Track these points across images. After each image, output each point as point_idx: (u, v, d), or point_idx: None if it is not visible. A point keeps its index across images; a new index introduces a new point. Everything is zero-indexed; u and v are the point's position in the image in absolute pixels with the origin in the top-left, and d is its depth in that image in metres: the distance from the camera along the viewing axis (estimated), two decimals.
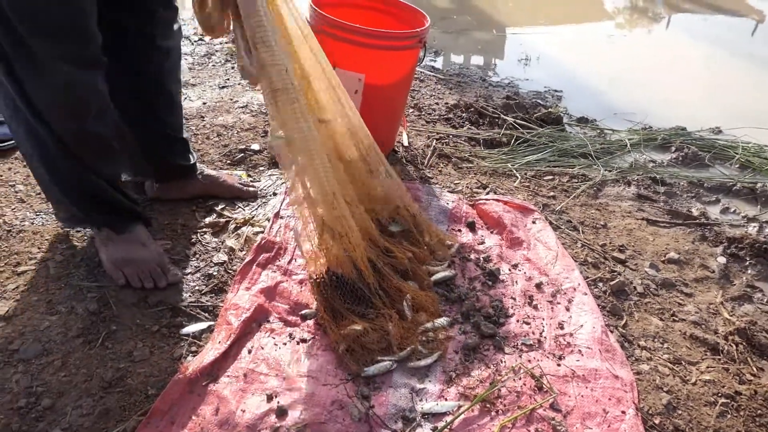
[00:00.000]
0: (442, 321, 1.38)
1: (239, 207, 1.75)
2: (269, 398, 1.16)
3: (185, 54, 2.82)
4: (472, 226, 1.78)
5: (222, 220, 1.67)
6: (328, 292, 1.35)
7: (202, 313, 1.36)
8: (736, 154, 2.47)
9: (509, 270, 1.62)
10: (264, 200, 1.79)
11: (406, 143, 2.23)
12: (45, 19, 1.05)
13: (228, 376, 1.20)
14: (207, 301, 1.40)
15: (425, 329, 1.35)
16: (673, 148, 2.51)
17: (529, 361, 1.32)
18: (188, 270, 1.48)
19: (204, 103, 2.36)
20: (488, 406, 1.20)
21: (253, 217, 1.70)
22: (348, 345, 1.27)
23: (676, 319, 1.55)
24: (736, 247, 1.86)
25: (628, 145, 2.48)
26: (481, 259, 1.64)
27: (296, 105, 1.24)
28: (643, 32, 4.69)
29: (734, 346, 1.47)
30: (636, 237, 1.88)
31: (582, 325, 1.43)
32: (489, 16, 4.39)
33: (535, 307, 1.49)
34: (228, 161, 1.99)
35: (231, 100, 2.42)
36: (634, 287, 1.64)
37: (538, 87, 3.14)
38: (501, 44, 3.87)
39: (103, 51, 1.19)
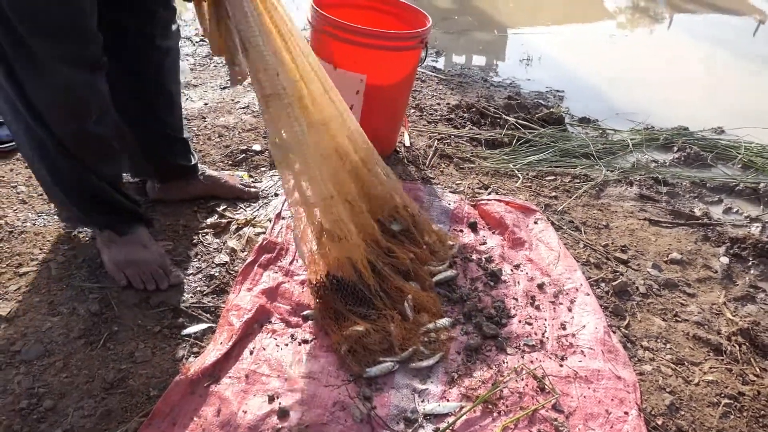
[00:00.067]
0: (443, 322, 1.38)
1: (241, 208, 1.74)
2: (271, 399, 1.16)
3: (187, 55, 2.82)
4: (473, 227, 1.78)
5: (223, 220, 1.67)
6: (329, 295, 1.35)
7: (204, 314, 1.36)
8: (739, 154, 2.46)
9: (511, 270, 1.62)
10: (265, 201, 1.78)
11: (407, 144, 2.22)
12: (45, 19, 1.05)
13: (229, 377, 1.19)
14: (208, 302, 1.40)
15: (427, 330, 1.35)
16: (676, 148, 2.50)
17: (532, 361, 1.32)
18: (190, 271, 1.48)
19: (205, 104, 2.36)
20: (490, 407, 1.20)
21: (254, 217, 1.70)
22: (350, 346, 1.27)
23: (679, 319, 1.55)
24: (738, 247, 1.86)
25: (630, 145, 2.47)
26: (483, 259, 1.64)
27: (290, 110, 1.24)
28: (644, 32, 4.68)
29: (737, 347, 1.46)
30: (638, 237, 1.88)
31: (584, 326, 1.42)
32: (490, 16, 4.39)
33: (537, 308, 1.49)
34: (229, 162, 1.99)
35: (232, 100, 2.42)
36: (637, 288, 1.63)
37: (540, 87, 3.13)
38: (502, 44, 3.86)
39: (103, 51, 1.19)
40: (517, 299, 1.51)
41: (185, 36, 3.01)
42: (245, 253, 1.56)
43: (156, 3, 1.35)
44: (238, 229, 1.65)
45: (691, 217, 2.01)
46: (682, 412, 1.27)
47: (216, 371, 1.20)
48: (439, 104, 2.67)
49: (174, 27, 1.44)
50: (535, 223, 1.82)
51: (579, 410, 1.21)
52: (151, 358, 1.24)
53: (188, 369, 1.17)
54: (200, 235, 1.61)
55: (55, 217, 1.55)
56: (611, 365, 1.31)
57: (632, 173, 2.26)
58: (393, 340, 1.30)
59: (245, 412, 1.12)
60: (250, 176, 1.91)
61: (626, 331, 1.47)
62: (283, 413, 1.13)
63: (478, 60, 3.50)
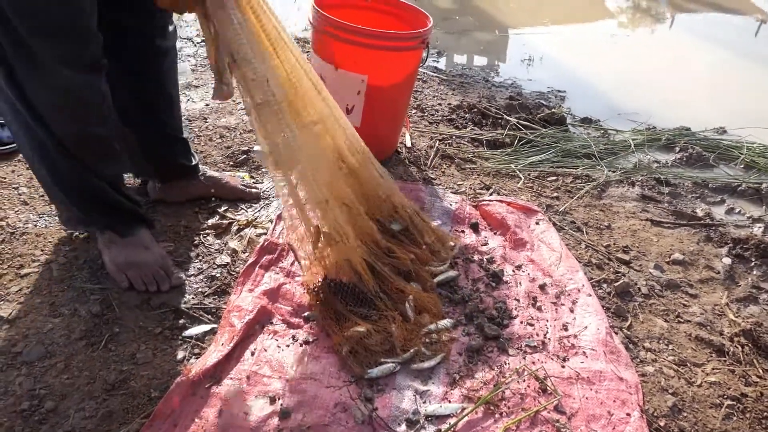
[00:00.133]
0: (445, 322, 1.38)
1: (242, 208, 1.74)
2: (272, 401, 1.15)
3: (188, 56, 2.82)
4: (475, 227, 1.78)
5: (225, 221, 1.67)
6: (329, 297, 1.35)
7: (205, 315, 1.36)
8: (741, 154, 2.46)
9: (513, 271, 1.62)
10: (267, 202, 1.78)
11: (409, 144, 2.22)
12: (45, 20, 1.05)
13: (231, 378, 1.19)
14: (210, 303, 1.40)
15: (428, 331, 1.35)
16: (678, 149, 2.50)
17: (533, 362, 1.32)
18: (191, 272, 1.48)
19: (207, 105, 2.36)
20: (492, 408, 1.19)
21: (255, 218, 1.70)
22: (351, 347, 1.26)
23: (681, 320, 1.54)
24: (741, 247, 1.85)
25: (632, 145, 2.47)
26: (485, 260, 1.64)
27: (281, 115, 1.23)
28: (646, 32, 4.67)
29: (740, 348, 1.46)
30: (640, 238, 1.87)
31: (586, 327, 1.42)
32: (491, 16, 4.39)
33: (539, 309, 1.49)
34: (231, 163, 1.99)
35: (234, 101, 2.41)
36: (639, 288, 1.63)
37: (541, 87, 3.13)
38: (504, 45, 3.86)
39: (103, 52, 1.19)
40: (518, 300, 1.51)
41: (187, 37, 3.01)
42: (246, 254, 1.56)
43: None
44: (239, 230, 1.65)
45: (693, 218, 2.01)
46: (685, 414, 1.27)
47: (217, 372, 1.20)
48: (440, 105, 2.67)
49: (171, 27, 1.45)
50: (537, 223, 1.81)
51: (581, 411, 1.21)
52: (152, 359, 1.24)
53: (189, 370, 1.16)
54: (201, 236, 1.60)
55: (57, 218, 1.55)
56: (613, 366, 1.31)
57: (634, 174, 2.25)
58: (394, 341, 1.29)
59: (246, 414, 1.12)
60: (252, 177, 1.91)
61: (628, 332, 1.47)
62: (284, 414, 1.13)
63: (480, 60, 3.50)
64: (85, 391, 1.14)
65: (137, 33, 1.35)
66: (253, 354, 1.26)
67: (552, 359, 1.33)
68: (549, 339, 1.39)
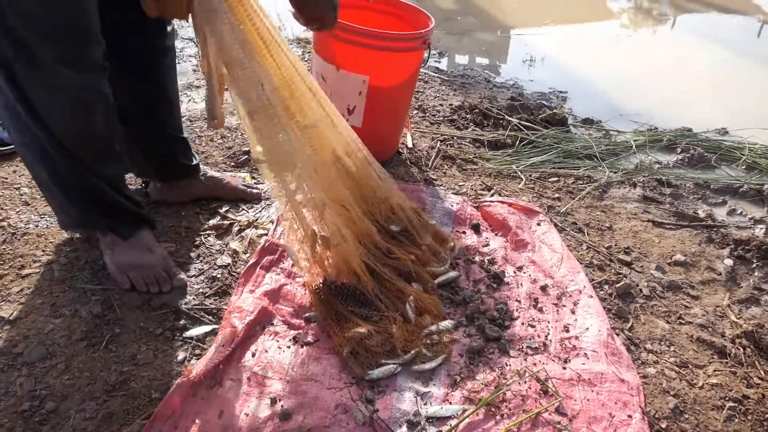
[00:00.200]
0: (446, 324, 1.38)
1: (243, 209, 1.74)
2: (273, 402, 1.15)
3: (189, 56, 2.83)
4: (476, 228, 1.78)
5: (226, 222, 1.67)
6: (329, 299, 1.35)
7: (206, 316, 1.36)
8: (743, 155, 2.45)
9: (514, 272, 1.61)
10: (268, 202, 1.78)
11: (410, 145, 2.22)
12: (45, 20, 1.05)
13: (231, 379, 1.19)
14: (210, 303, 1.40)
15: (429, 332, 1.35)
16: (679, 150, 2.49)
17: (535, 364, 1.32)
18: (192, 273, 1.48)
19: None
20: (493, 409, 1.19)
21: (256, 219, 1.70)
22: (352, 348, 1.26)
23: (683, 321, 1.54)
24: (743, 249, 1.85)
25: (634, 146, 2.46)
26: (486, 261, 1.64)
27: (276, 120, 1.23)
28: (648, 32, 4.67)
29: (741, 350, 1.45)
30: (642, 239, 1.87)
31: (588, 328, 1.42)
32: (493, 16, 4.38)
33: (541, 310, 1.49)
34: (232, 163, 1.99)
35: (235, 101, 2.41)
36: (640, 290, 1.62)
37: (543, 88, 3.13)
38: (505, 45, 3.86)
39: (105, 53, 1.18)
40: (520, 301, 1.51)
41: (188, 37, 3.01)
42: (247, 254, 1.56)
43: None
44: (240, 231, 1.65)
45: (694, 219, 2.00)
46: (686, 416, 1.27)
47: (218, 374, 1.20)
48: (441, 105, 2.67)
49: (170, 28, 1.45)
50: (538, 224, 1.81)
51: (582, 413, 1.21)
52: (153, 360, 1.23)
53: (190, 371, 1.16)
54: (202, 237, 1.60)
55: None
56: (615, 368, 1.31)
57: (635, 174, 2.25)
58: (395, 342, 1.29)
59: (247, 415, 1.12)
60: (253, 177, 1.91)
61: (630, 334, 1.47)
62: (285, 416, 1.12)
63: (481, 61, 3.50)
64: (85, 392, 1.14)
65: (137, 33, 1.35)
66: (253, 355, 1.26)
67: (553, 361, 1.33)
68: (550, 340, 1.39)
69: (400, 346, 1.29)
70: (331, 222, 1.34)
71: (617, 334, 1.44)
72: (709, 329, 1.52)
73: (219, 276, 1.48)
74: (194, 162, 1.67)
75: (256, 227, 1.67)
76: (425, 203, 1.86)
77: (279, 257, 1.53)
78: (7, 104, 1.17)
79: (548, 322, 1.45)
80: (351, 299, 1.35)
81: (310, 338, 1.32)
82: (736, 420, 1.27)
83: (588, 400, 1.24)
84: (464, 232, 1.76)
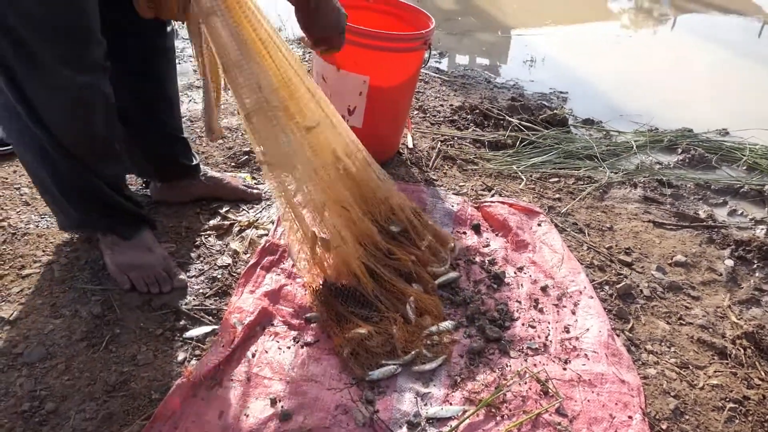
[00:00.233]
0: (446, 324, 1.38)
1: (243, 209, 1.74)
2: (273, 402, 1.15)
3: (190, 56, 2.82)
4: (477, 229, 1.78)
5: (226, 222, 1.67)
6: (329, 299, 1.35)
7: (206, 316, 1.36)
8: (744, 155, 2.45)
9: (514, 273, 1.61)
10: (268, 203, 1.78)
11: (410, 145, 2.22)
12: (46, 20, 1.05)
13: (232, 380, 1.19)
14: (211, 304, 1.40)
15: (430, 333, 1.34)
16: (680, 150, 2.49)
17: (535, 365, 1.31)
18: (192, 273, 1.48)
19: None
20: (493, 410, 1.19)
21: (257, 219, 1.70)
22: (352, 348, 1.26)
23: (683, 322, 1.54)
24: (743, 249, 1.84)
25: (634, 146, 2.46)
26: (486, 261, 1.63)
27: (275, 122, 1.23)
28: (648, 33, 4.67)
29: (742, 350, 1.45)
30: (642, 239, 1.87)
31: (588, 329, 1.42)
32: (493, 17, 4.38)
33: (541, 311, 1.48)
34: (232, 163, 1.99)
35: (236, 102, 2.41)
36: (641, 290, 1.62)
37: (544, 88, 3.12)
38: (506, 45, 3.86)
39: (106, 53, 1.18)
40: (520, 302, 1.50)
41: (189, 37, 3.01)
42: (248, 255, 1.56)
43: None
44: (240, 231, 1.65)
45: (695, 220, 2.00)
46: (687, 417, 1.26)
47: (218, 374, 1.19)
48: (442, 106, 2.66)
49: (169, 28, 1.45)
50: (539, 225, 1.81)
51: (583, 414, 1.20)
52: (153, 360, 1.23)
53: (190, 372, 1.16)
54: (203, 237, 1.60)
55: None
56: (615, 369, 1.31)
57: (636, 175, 2.25)
58: (395, 342, 1.29)
59: (247, 416, 1.12)
60: (253, 178, 1.91)
61: (630, 335, 1.46)
62: (285, 416, 1.12)
63: (482, 61, 3.50)
64: (85, 393, 1.14)
65: (137, 33, 1.35)
66: (254, 356, 1.26)
67: (553, 361, 1.33)
68: (550, 341, 1.39)
69: (400, 347, 1.29)
70: (331, 224, 1.34)
71: (618, 335, 1.44)
72: (710, 330, 1.52)
73: (219, 276, 1.48)
74: (194, 162, 1.67)
75: (257, 227, 1.66)
76: (426, 204, 1.86)
77: (279, 258, 1.53)
78: (6, 104, 1.17)
79: (549, 322, 1.45)
80: (351, 300, 1.35)
81: (310, 339, 1.32)
82: (737, 421, 1.27)
83: (588, 401, 1.23)
84: (465, 233, 1.76)
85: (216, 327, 1.33)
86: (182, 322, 1.33)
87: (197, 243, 1.58)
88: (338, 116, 1.42)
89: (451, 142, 2.33)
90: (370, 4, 2.07)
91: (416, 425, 1.15)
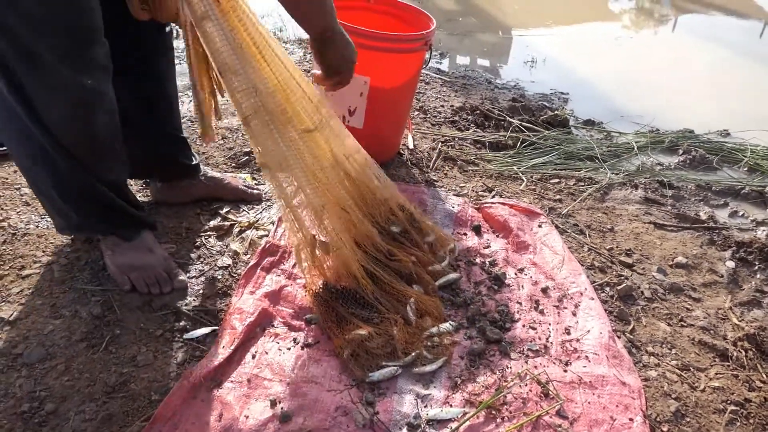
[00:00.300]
0: (447, 326, 1.37)
1: (244, 210, 1.74)
2: (273, 404, 1.15)
3: None
4: (477, 230, 1.77)
5: (226, 223, 1.67)
6: (329, 301, 1.34)
7: (206, 317, 1.36)
8: (745, 157, 2.45)
9: (515, 274, 1.61)
10: (268, 203, 1.78)
11: (411, 146, 2.22)
12: (46, 20, 1.05)
13: (232, 381, 1.19)
14: (211, 305, 1.40)
15: (430, 334, 1.34)
16: (681, 151, 2.49)
17: (536, 366, 1.31)
18: (192, 274, 1.48)
19: None
20: (494, 412, 1.19)
21: (257, 220, 1.70)
22: (352, 350, 1.26)
23: (685, 324, 1.53)
24: (744, 251, 1.84)
25: (635, 147, 2.46)
26: (487, 263, 1.63)
27: (272, 126, 1.22)
28: (649, 34, 4.66)
29: (743, 352, 1.45)
30: (643, 241, 1.87)
31: (589, 331, 1.41)
32: (494, 17, 4.38)
33: (542, 312, 1.48)
34: (233, 164, 1.99)
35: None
36: (642, 292, 1.62)
37: (544, 89, 3.12)
38: (507, 46, 3.86)
39: (108, 54, 1.18)
40: (521, 303, 1.50)
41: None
42: (248, 256, 1.56)
43: None
44: (240, 232, 1.64)
45: (696, 221, 2.00)
46: (688, 419, 1.26)
47: (218, 375, 1.19)
48: (443, 106, 2.66)
49: (169, 28, 1.45)
50: (540, 226, 1.81)
51: (583, 416, 1.20)
52: (153, 361, 1.23)
53: (190, 373, 1.16)
54: (203, 238, 1.60)
55: None
56: (616, 371, 1.30)
57: (637, 176, 2.24)
58: (396, 344, 1.29)
59: (247, 417, 1.12)
60: (254, 178, 1.91)
61: (631, 336, 1.46)
62: (285, 418, 1.12)
63: (483, 62, 3.49)
64: (85, 394, 1.14)
65: (136, 33, 1.34)
66: (254, 357, 1.25)
67: (554, 363, 1.33)
68: (551, 343, 1.39)
69: (400, 349, 1.28)
70: (331, 227, 1.33)
71: (618, 337, 1.43)
72: (711, 332, 1.52)
73: (219, 277, 1.48)
74: (194, 162, 1.67)
75: (257, 228, 1.66)
76: (426, 204, 1.85)
77: (279, 259, 1.53)
78: (5, 104, 1.16)
79: (549, 324, 1.44)
80: (351, 302, 1.35)
81: (310, 340, 1.32)
82: (738, 423, 1.27)
83: (589, 403, 1.23)
84: (465, 234, 1.76)
85: (216, 328, 1.32)
86: (182, 323, 1.33)
87: (197, 244, 1.58)
88: (337, 118, 1.42)
89: (452, 143, 2.32)
90: (370, 4, 2.07)
91: (416, 427, 1.15)
